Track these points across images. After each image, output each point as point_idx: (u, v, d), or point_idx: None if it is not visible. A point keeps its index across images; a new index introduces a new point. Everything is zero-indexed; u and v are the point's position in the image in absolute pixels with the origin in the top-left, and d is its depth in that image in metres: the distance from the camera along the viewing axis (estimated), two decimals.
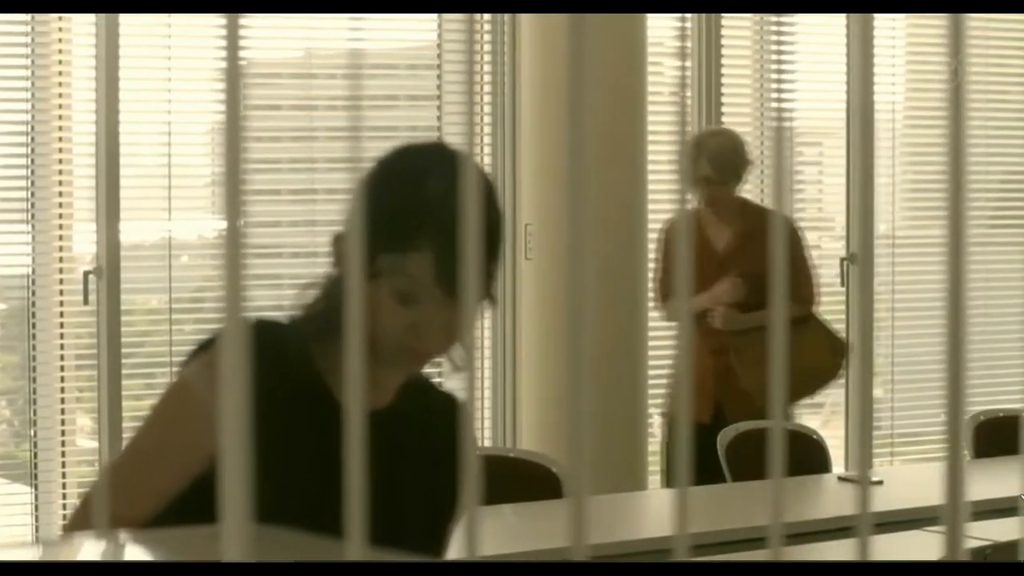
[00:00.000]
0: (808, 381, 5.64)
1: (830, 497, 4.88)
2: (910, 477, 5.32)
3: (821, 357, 5.60)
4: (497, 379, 6.84)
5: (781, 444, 1.24)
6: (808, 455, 5.44)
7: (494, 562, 1.15)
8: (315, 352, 2.18)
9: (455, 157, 2.15)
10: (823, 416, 7.70)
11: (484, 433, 6.85)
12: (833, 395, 7.71)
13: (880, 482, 5.03)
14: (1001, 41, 7.93)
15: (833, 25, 7.44)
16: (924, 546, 3.82)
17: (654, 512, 4.63)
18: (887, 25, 7.51)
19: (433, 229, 2.07)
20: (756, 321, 5.50)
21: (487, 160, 6.79)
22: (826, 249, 7.76)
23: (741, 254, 5.54)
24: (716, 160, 5.52)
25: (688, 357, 1.22)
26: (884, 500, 4.64)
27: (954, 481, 1.10)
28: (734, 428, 5.43)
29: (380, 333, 2.11)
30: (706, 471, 5.31)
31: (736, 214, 5.60)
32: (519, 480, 4.62)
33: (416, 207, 2.10)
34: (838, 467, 6.13)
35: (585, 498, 1.07)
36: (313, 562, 1.80)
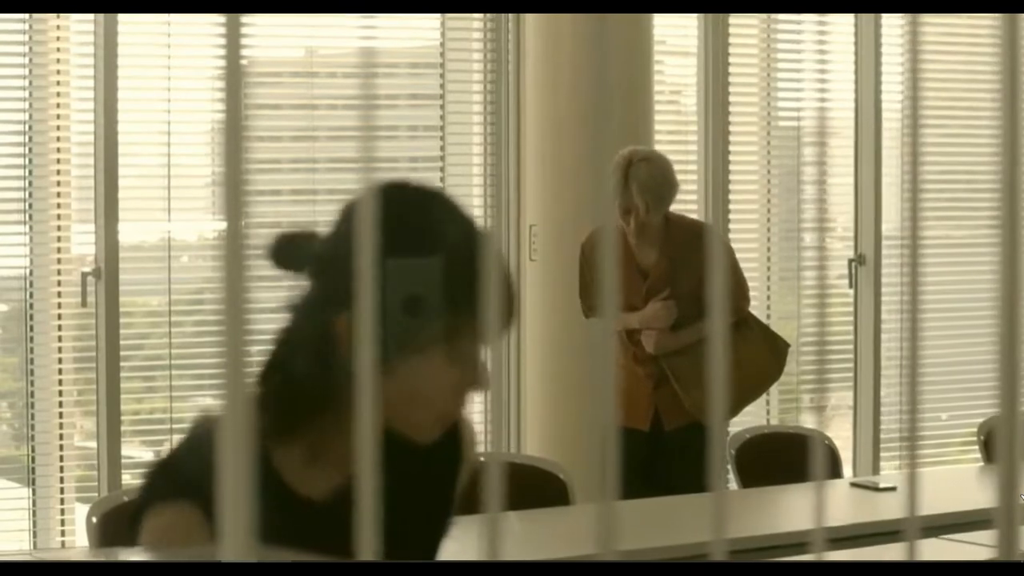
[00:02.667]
0: (752, 385, 5.53)
1: (843, 504, 4.79)
2: (925, 484, 5.23)
3: (761, 359, 5.48)
4: (501, 382, 6.77)
5: (822, 454, 1.20)
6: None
7: (497, 563, 1.11)
8: (272, 447, 2.02)
9: (449, 201, 2.05)
10: (824, 414, 7.63)
11: (486, 438, 6.77)
12: (835, 396, 7.64)
13: (893, 488, 4.95)
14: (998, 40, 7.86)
15: (834, 23, 7.39)
16: (942, 555, 3.74)
17: (672, 519, 4.55)
18: (887, 23, 7.46)
19: (470, 283, 1.95)
20: (688, 339, 5.37)
21: (490, 160, 6.73)
22: (828, 250, 7.70)
23: (668, 273, 5.42)
24: (646, 190, 5.37)
25: (723, 363, 1.15)
26: (899, 507, 4.55)
27: (1009, 482, 1.09)
28: (744, 434, 5.36)
29: (420, 407, 2.00)
30: (648, 479, 5.21)
31: (660, 233, 5.45)
32: (524, 487, 4.53)
33: (463, 268, 1.93)
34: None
35: (612, 503, 1.09)
36: (313, 562, 1.73)
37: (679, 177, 5.59)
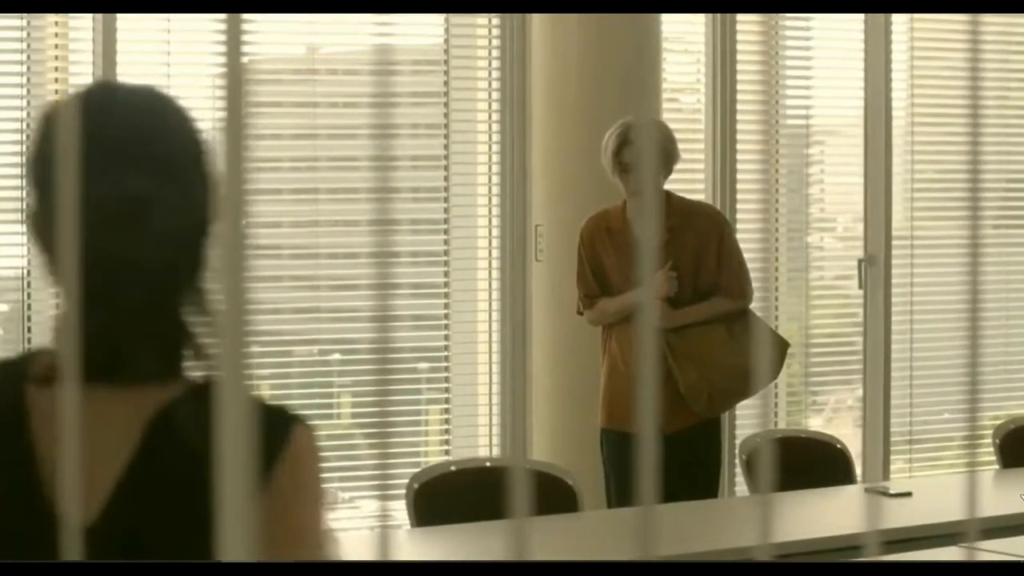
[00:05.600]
0: (750, 380, 5.39)
1: (858, 510, 4.69)
2: (938, 488, 5.13)
3: (761, 353, 5.33)
4: (505, 387, 6.68)
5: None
6: (832, 464, 5.28)
7: (501, 562, 1.08)
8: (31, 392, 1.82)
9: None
10: (825, 415, 7.57)
11: (492, 441, 6.69)
12: (837, 392, 7.58)
13: (909, 494, 4.85)
14: (1005, 37, 7.82)
15: (834, 20, 7.34)
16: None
17: (678, 525, 4.45)
18: (895, 21, 7.41)
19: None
20: (689, 317, 5.28)
21: (495, 159, 6.67)
22: (828, 249, 7.64)
23: (669, 249, 5.31)
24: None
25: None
26: (914, 514, 4.46)
27: None
28: (755, 438, 5.26)
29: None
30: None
31: (661, 206, 5.36)
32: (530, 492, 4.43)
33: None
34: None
35: (653, 507, 1.10)
36: (312, 562, 1.66)
37: (682, 177, 5.50)
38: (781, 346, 5.45)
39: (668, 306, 5.27)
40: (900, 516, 4.52)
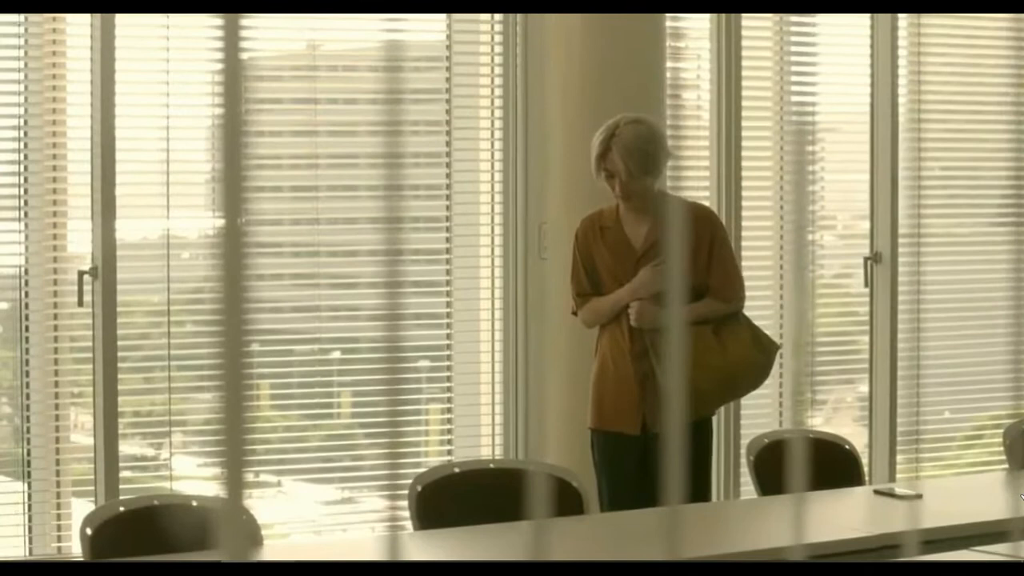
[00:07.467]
0: (739, 380, 5.33)
1: (867, 512, 4.64)
2: (946, 490, 5.07)
3: (748, 355, 5.28)
4: (508, 386, 6.63)
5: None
6: (841, 466, 5.22)
7: (504, 563, 1.04)
8: None
9: None
10: (825, 413, 7.55)
11: (495, 441, 6.64)
12: (836, 391, 7.55)
13: (919, 496, 4.79)
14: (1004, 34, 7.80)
15: (837, 17, 7.33)
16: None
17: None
18: (887, 19, 7.39)
19: None
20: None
21: (498, 156, 6.63)
22: (828, 248, 7.62)
23: (659, 247, 5.22)
24: (630, 153, 5.21)
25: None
26: (927, 516, 4.40)
27: None
28: (762, 438, 5.20)
29: None
30: (640, 485, 5.04)
31: (651, 206, 5.27)
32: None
33: None
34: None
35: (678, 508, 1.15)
36: (313, 562, 1.62)
37: (685, 175, 5.41)
38: (770, 348, 5.37)
39: (652, 303, 5.19)
40: (913, 518, 4.46)
